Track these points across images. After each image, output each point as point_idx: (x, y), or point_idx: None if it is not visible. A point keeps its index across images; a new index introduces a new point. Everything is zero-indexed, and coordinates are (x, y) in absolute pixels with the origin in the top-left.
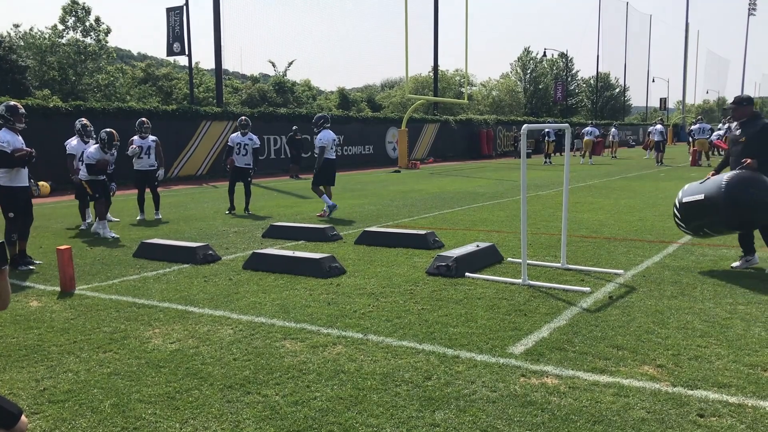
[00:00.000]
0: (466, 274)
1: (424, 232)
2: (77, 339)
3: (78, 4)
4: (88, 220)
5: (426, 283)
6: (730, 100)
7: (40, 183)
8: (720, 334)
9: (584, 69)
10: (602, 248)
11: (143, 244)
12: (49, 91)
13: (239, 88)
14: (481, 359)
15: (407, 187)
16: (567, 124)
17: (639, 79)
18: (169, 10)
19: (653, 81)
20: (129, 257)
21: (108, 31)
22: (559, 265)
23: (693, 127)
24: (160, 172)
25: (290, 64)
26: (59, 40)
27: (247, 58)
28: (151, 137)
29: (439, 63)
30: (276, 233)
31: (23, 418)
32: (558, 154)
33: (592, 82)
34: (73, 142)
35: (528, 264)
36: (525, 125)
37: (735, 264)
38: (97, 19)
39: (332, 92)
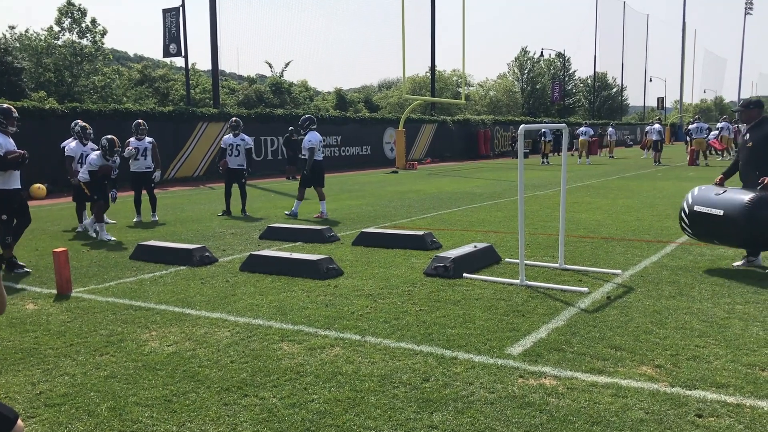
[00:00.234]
0: (464, 274)
1: (422, 232)
2: (74, 342)
3: (74, 5)
4: (85, 222)
5: (424, 284)
6: (727, 99)
7: (36, 185)
8: (718, 334)
9: (581, 69)
10: (600, 248)
11: (140, 246)
12: (45, 93)
13: (236, 89)
14: (479, 360)
15: (405, 187)
16: (564, 124)
17: (636, 78)
18: (165, 12)
19: (650, 80)
20: (126, 259)
21: (104, 33)
22: (556, 265)
23: (690, 126)
24: (157, 174)
25: (287, 64)
26: (55, 41)
27: (243, 59)
28: (148, 139)
29: (436, 63)
30: (273, 235)
31: (19, 422)
32: (555, 154)
33: (589, 81)
34: (71, 144)
35: (526, 264)
36: (522, 125)
37: (737, 263)
38: (93, 21)
39: (329, 93)
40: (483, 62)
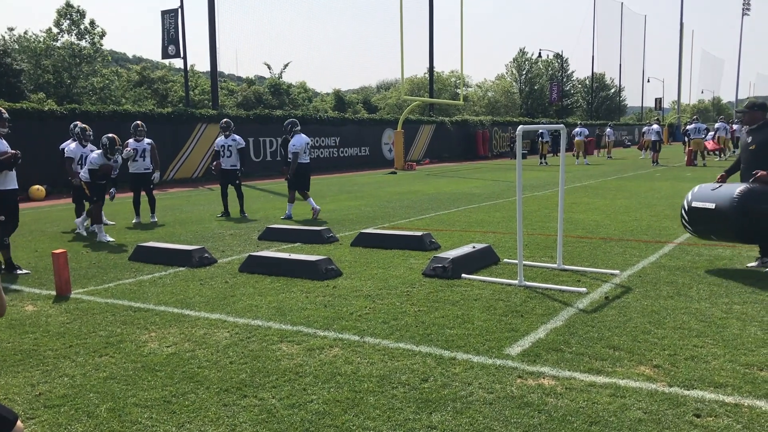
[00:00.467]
0: (463, 275)
1: (421, 233)
2: (73, 343)
3: (73, 7)
4: (76, 221)
5: (422, 284)
6: (725, 100)
7: (35, 186)
8: (716, 334)
9: (579, 69)
10: (598, 248)
11: (139, 248)
12: (44, 95)
13: (235, 90)
14: (478, 361)
15: (403, 188)
16: (562, 125)
17: (634, 79)
18: (164, 13)
19: (648, 81)
20: (125, 261)
21: (103, 34)
22: (555, 265)
23: (689, 126)
24: (156, 175)
25: (286, 66)
26: (54, 43)
27: (242, 61)
28: (147, 140)
29: (434, 64)
30: (272, 236)
31: (19, 423)
32: (554, 154)
33: (587, 82)
34: (71, 146)
35: (524, 265)
36: (520, 126)
37: (751, 264)
38: (92, 22)
39: (328, 94)
40: (481, 63)
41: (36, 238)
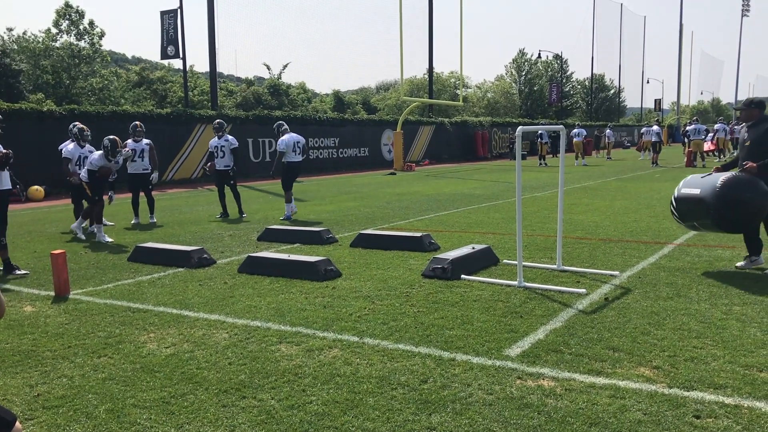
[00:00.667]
0: (462, 276)
1: (420, 234)
2: (72, 344)
3: (72, 7)
4: (73, 226)
5: (422, 285)
6: (724, 101)
7: (34, 187)
8: (716, 335)
9: (579, 70)
10: (598, 249)
11: (138, 248)
12: (43, 95)
13: (234, 91)
14: (478, 362)
15: (403, 189)
16: (562, 126)
17: (634, 80)
18: (163, 14)
19: (648, 82)
20: (124, 261)
21: (102, 35)
22: (554, 266)
23: (688, 128)
24: (154, 176)
25: (285, 66)
26: (53, 43)
27: (241, 61)
28: (145, 140)
29: (434, 65)
30: (271, 236)
31: (17, 424)
32: (553, 155)
33: (587, 83)
34: (69, 146)
35: (524, 266)
36: (520, 127)
37: (739, 264)
38: (91, 23)
39: (327, 95)
40: (480, 64)
41: (35, 238)
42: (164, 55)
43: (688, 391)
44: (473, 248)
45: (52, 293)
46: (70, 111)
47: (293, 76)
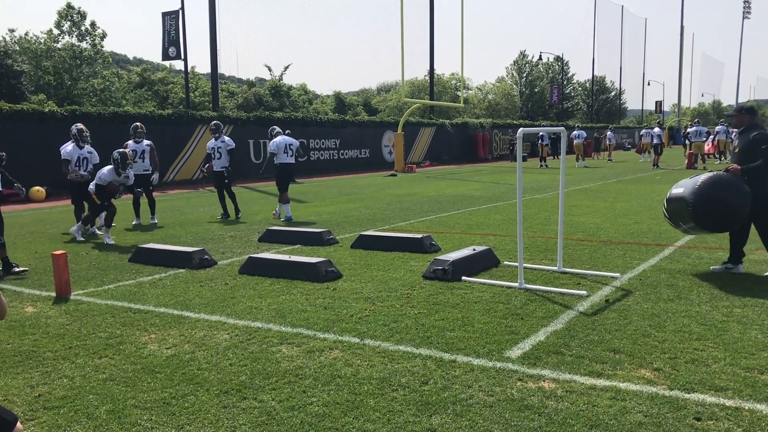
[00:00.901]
0: (463, 277)
1: (421, 235)
2: (72, 345)
3: (73, 8)
4: (72, 229)
5: (422, 287)
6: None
7: (36, 188)
8: (717, 338)
9: (580, 72)
10: (598, 251)
11: (139, 249)
12: (45, 96)
13: (235, 92)
14: (478, 363)
15: (403, 190)
16: (563, 128)
17: (634, 82)
18: (164, 15)
19: (649, 84)
20: (125, 262)
21: (104, 36)
22: (555, 268)
23: (690, 129)
24: (155, 176)
25: (286, 68)
26: (55, 44)
27: (243, 63)
28: (146, 141)
29: (435, 67)
30: (272, 237)
31: (18, 424)
32: (553, 157)
33: (587, 85)
34: (68, 147)
35: (524, 267)
36: (521, 129)
37: (715, 267)
38: (93, 24)
39: (328, 96)
40: (482, 66)
41: (36, 239)
42: (166, 56)
43: (688, 393)
44: (474, 250)
45: (53, 294)
46: (72, 112)
47: (294, 78)
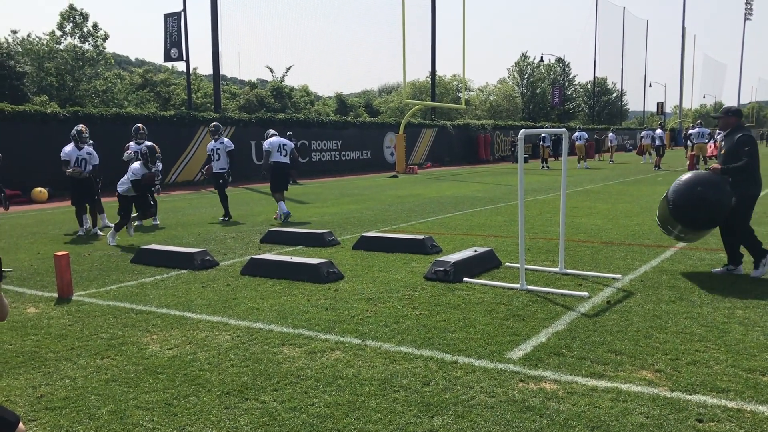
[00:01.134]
0: (464, 279)
1: (422, 237)
2: (75, 345)
3: (76, 10)
4: (86, 226)
5: (424, 288)
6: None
7: (38, 189)
8: (718, 339)
9: (581, 74)
10: (600, 253)
11: (141, 250)
12: (47, 97)
13: (237, 93)
14: (480, 364)
15: (405, 191)
16: (564, 129)
17: (636, 83)
18: (166, 16)
19: (650, 85)
20: (127, 263)
21: (106, 37)
22: (557, 269)
23: (692, 131)
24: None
25: (288, 69)
26: (57, 46)
27: (244, 64)
28: (147, 143)
29: (436, 68)
30: (274, 238)
31: (21, 425)
32: (555, 158)
33: (589, 86)
34: (67, 148)
35: (526, 269)
36: (522, 130)
37: (716, 270)
38: (95, 25)
39: (330, 97)
40: (483, 67)
41: (38, 240)
42: (168, 57)
43: (690, 394)
44: (475, 251)
45: (56, 295)
46: (74, 113)
47: (296, 79)
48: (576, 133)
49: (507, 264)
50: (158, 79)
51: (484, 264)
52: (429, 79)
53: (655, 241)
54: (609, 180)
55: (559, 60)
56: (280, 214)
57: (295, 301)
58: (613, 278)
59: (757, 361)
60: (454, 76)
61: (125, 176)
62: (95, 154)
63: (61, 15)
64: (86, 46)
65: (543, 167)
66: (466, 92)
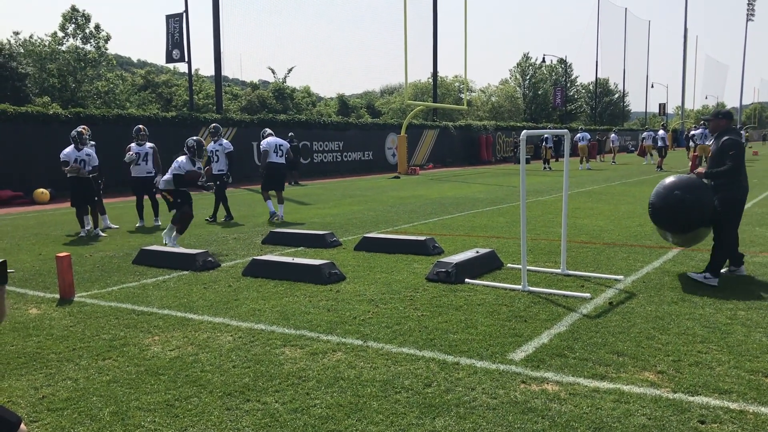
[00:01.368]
0: (466, 280)
1: (424, 238)
2: (76, 346)
3: (78, 11)
4: (88, 227)
5: (426, 289)
6: (729, 105)
7: (40, 190)
8: (721, 340)
9: (583, 75)
10: (602, 254)
11: (143, 251)
12: (49, 98)
13: (239, 94)
14: (481, 366)
15: (407, 192)
16: (566, 130)
17: (638, 84)
18: (168, 17)
19: (652, 86)
20: (128, 264)
21: (108, 38)
22: (559, 270)
23: (695, 132)
24: (158, 179)
25: (290, 70)
26: (59, 47)
27: (246, 65)
28: (149, 144)
29: (438, 69)
30: (275, 239)
31: (22, 426)
32: (556, 159)
33: (591, 87)
34: (66, 149)
35: (528, 270)
36: (524, 131)
37: (722, 270)
38: (97, 26)
39: (332, 98)
40: (485, 68)
41: (40, 241)
42: (169, 58)
43: (692, 396)
44: (477, 252)
45: (57, 296)
46: (76, 114)
47: (298, 80)
48: (579, 134)
49: (509, 265)
50: (160, 80)
51: (486, 265)
52: (431, 80)
53: (657, 243)
54: (611, 181)
55: (561, 61)
56: (281, 215)
57: (296, 302)
58: (615, 279)
59: (759, 363)
60: (456, 77)
61: (167, 174)
62: (94, 155)
63: (63, 16)
64: (88, 47)
65: (545, 168)
66: (467, 93)
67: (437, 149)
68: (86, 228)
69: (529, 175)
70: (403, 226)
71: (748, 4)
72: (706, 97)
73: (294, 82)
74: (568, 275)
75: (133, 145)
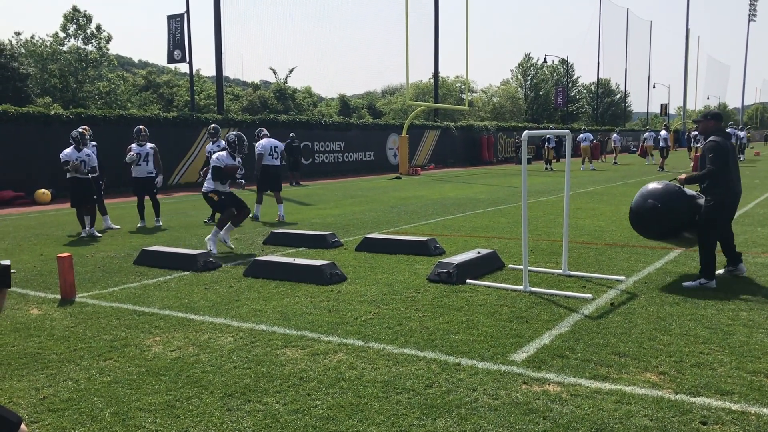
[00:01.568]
0: (468, 280)
1: (425, 238)
2: (77, 347)
3: (79, 11)
4: (87, 228)
5: (427, 290)
6: (731, 105)
7: (41, 190)
8: (722, 341)
9: (585, 75)
10: (604, 254)
11: (144, 252)
12: (50, 99)
13: (240, 95)
14: (483, 366)
15: (408, 193)
16: (568, 131)
17: (640, 85)
18: (170, 18)
19: (654, 87)
20: (129, 264)
21: (109, 39)
22: (560, 271)
23: (697, 132)
24: (159, 179)
25: (291, 71)
26: (60, 47)
27: (247, 65)
28: (149, 144)
29: (439, 69)
30: (277, 240)
31: (23, 426)
32: (558, 160)
33: (592, 88)
34: (66, 150)
35: (529, 270)
36: (525, 131)
37: (719, 271)
38: (98, 27)
39: (333, 99)
40: (486, 68)
41: (41, 241)
42: (171, 59)
43: (694, 397)
44: (479, 253)
45: (58, 296)
46: (77, 115)
47: (299, 81)
48: (581, 135)
49: (510, 266)
50: (161, 80)
51: (488, 266)
52: (432, 81)
53: (659, 243)
54: (612, 181)
55: (563, 61)
56: (281, 215)
57: (297, 302)
58: (617, 280)
59: (761, 363)
60: (457, 77)
61: (209, 176)
62: (93, 156)
63: (65, 17)
64: (89, 47)
65: (547, 168)
66: (469, 94)
67: (438, 150)
68: (87, 228)
69: (530, 176)
70: (404, 227)
71: (750, 5)
72: (708, 98)
73: (295, 82)
74: (570, 276)
75: (133, 145)
